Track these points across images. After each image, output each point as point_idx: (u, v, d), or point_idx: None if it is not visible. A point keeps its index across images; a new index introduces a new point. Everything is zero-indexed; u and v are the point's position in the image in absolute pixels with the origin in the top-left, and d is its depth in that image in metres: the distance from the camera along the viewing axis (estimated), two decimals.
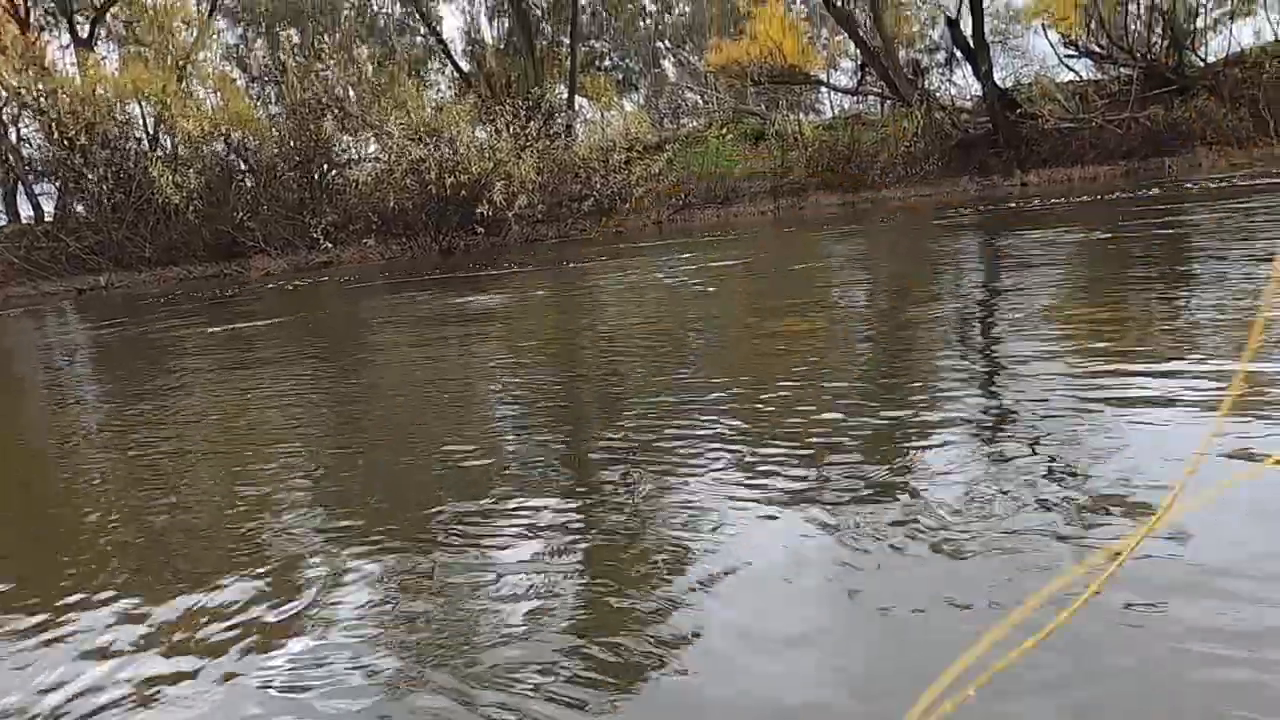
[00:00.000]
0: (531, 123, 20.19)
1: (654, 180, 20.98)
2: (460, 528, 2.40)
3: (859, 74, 27.66)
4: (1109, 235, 8.47)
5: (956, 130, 21.71)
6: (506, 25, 32.52)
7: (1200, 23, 24.96)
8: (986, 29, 23.39)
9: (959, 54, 24.85)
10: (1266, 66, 20.94)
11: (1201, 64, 23.53)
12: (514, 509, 2.50)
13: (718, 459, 2.74)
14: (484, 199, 18.78)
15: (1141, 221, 9.19)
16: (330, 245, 19.64)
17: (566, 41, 29.28)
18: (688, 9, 39.47)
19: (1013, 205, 14.33)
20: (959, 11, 23.07)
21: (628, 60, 40.84)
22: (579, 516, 2.41)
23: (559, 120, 23.37)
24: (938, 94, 25.13)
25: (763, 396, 3.50)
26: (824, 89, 29.35)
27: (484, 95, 23.14)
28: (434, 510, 2.55)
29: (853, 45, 27.65)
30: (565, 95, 27.71)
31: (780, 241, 13.39)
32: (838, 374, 3.88)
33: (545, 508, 2.49)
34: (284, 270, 19.26)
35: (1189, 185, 13.88)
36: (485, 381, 4.80)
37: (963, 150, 21.15)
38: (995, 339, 4.46)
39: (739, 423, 3.14)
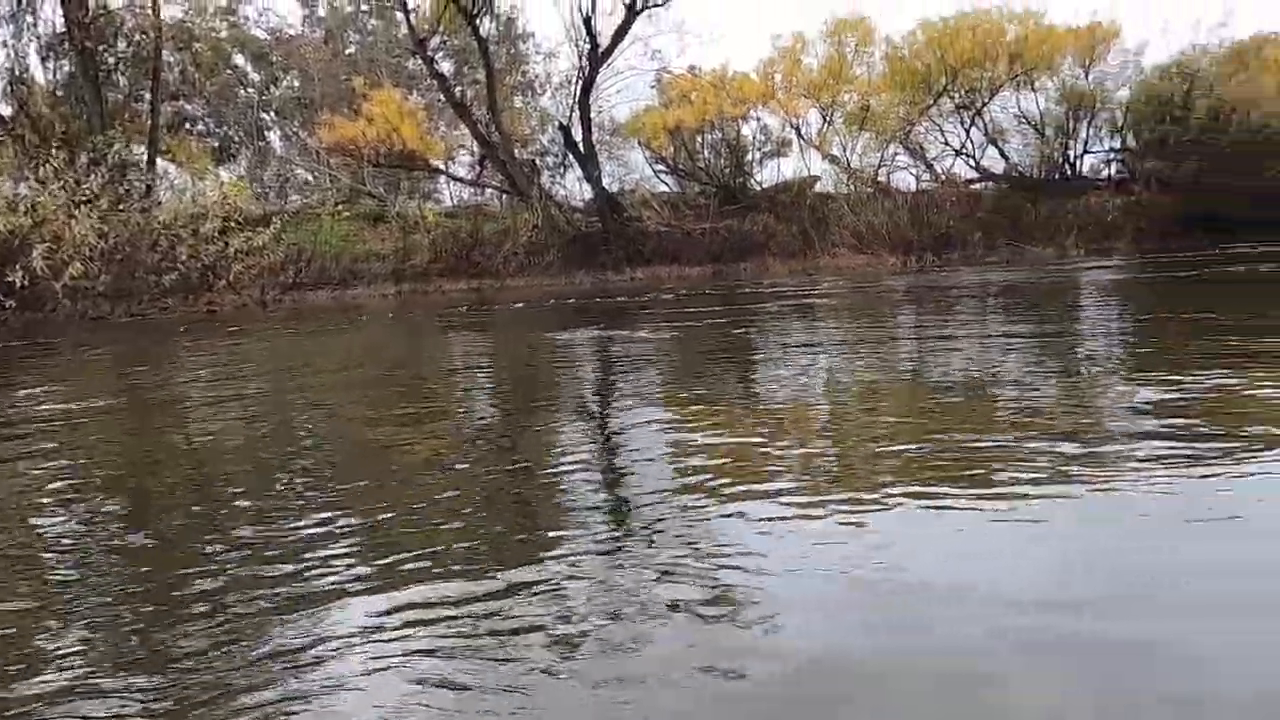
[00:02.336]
0: (93, 176, 16.76)
1: (257, 255, 18.61)
2: None
3: (478, 166, 28.28)
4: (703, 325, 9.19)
5: (571, 227, 23.06)
6: (66, 68, 27.45)
7: (751, 156, 30.09)
8: (594, 138, 25.55)
9: (571, 158, 26.75)
10: (805, 194, 25.86)
11: (759, 188, 28.30)
12: None
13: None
14: (15, 263, 14.84)
15: (731, 314, 10.22)
16: None
17: (148, 97, 25.48)
18: (296, 83, 37.28)
19: (621, 299, 15.29)
20: (570, 119, 24.90)
21: (226, 128, 37.06)
22: None
23: (134, 180, 19.85)
24: (553, 193, 26.68)
25: (388, 529, 2.75)
26: (444, 178, 29.41)
27: (30, 142, 18.90)
28: None
29: (472, 138, 28.31)
30: (145, 155, 23.89)
31: (402, 329, 12.51)
32: (459, 488, 3.28)
33: None
34: None
35: (755, 286, 16.15)
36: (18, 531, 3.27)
37: (578, 245, 22.46)
38: (614, 440, 4.23)
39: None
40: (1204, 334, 6.16)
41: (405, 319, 13.79)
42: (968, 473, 2.96)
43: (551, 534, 2.64)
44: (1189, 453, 3.02)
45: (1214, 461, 2.87)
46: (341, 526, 2.73)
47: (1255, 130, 24.50)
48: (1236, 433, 3.27)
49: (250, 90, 36.90)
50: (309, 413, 5.21)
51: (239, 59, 36.86)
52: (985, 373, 5.11)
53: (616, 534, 2.64)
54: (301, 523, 2.73)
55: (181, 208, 18.54)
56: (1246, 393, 3.88)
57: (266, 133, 37.53)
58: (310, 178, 31.00)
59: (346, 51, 37.23)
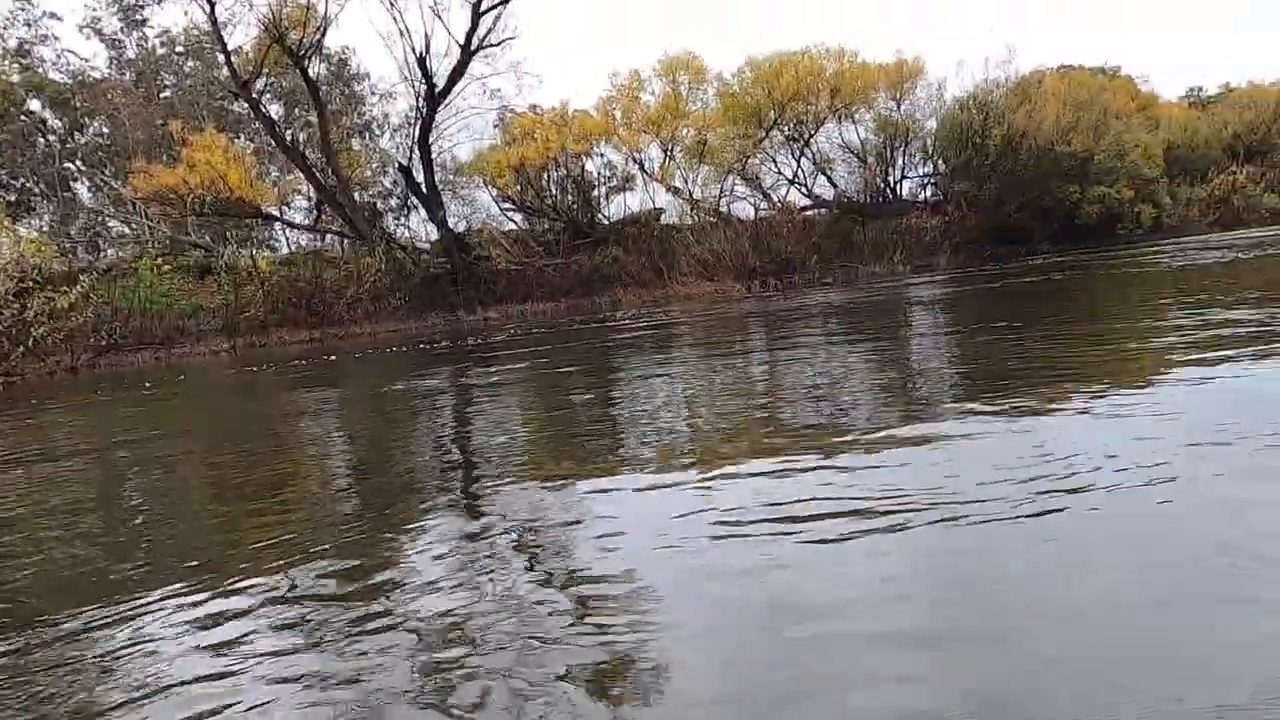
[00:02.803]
0: None
1: (62, 318, 16.85)
2: None
3: (316, 211, 27.13)
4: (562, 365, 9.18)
5: (418, 269, 22.51)
6: None
7: (598, 191, 30.57)
8: (437, 178, 25.15)
9: (413, 199, 26.18)
10: (652, 226, 26.51)
11: (607, 222, 28.75)
12: None
13: None
14: None
15: (585, 347, 10.26)
16: None
17: None
18: (105, 129, 34.47)
19: (472, 340, 15.01)
20: (411, 160, 24.40)
21: (22, 179, 33.71)
22: None
23: None
24: (396, 235, 25.97)
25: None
26: (279, 224, 28.01)
27: None
28: None
29: (307, 183, 27.16)
30: None
31: (237, 387, 11.70)
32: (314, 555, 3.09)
33: None
34: None
35: (608, 319, 16.32)
36: None
37: (427, 287, 21.94)
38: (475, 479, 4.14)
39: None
40: (1007, 344, 6.78)
41: (237, 377, 12.91)
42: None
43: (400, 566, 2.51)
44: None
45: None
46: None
47: (1042, 154, 27.47)
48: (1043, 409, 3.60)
49: (51, 138, 33.80)
50: (122, 484, 4.74)
51: (34, 104, 33.74)
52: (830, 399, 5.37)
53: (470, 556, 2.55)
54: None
55: None
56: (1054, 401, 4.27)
57: (72, 183, 34.42)
58: (126, 230, 28.65)
59: (161, 95, 34.85)
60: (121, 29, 35.12)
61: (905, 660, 1.74)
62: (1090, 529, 2.36)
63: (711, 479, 3.23)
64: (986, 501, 2.60)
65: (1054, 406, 3.84)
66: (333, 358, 13.98)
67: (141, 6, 34.98)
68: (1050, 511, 2.47)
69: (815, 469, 3.22)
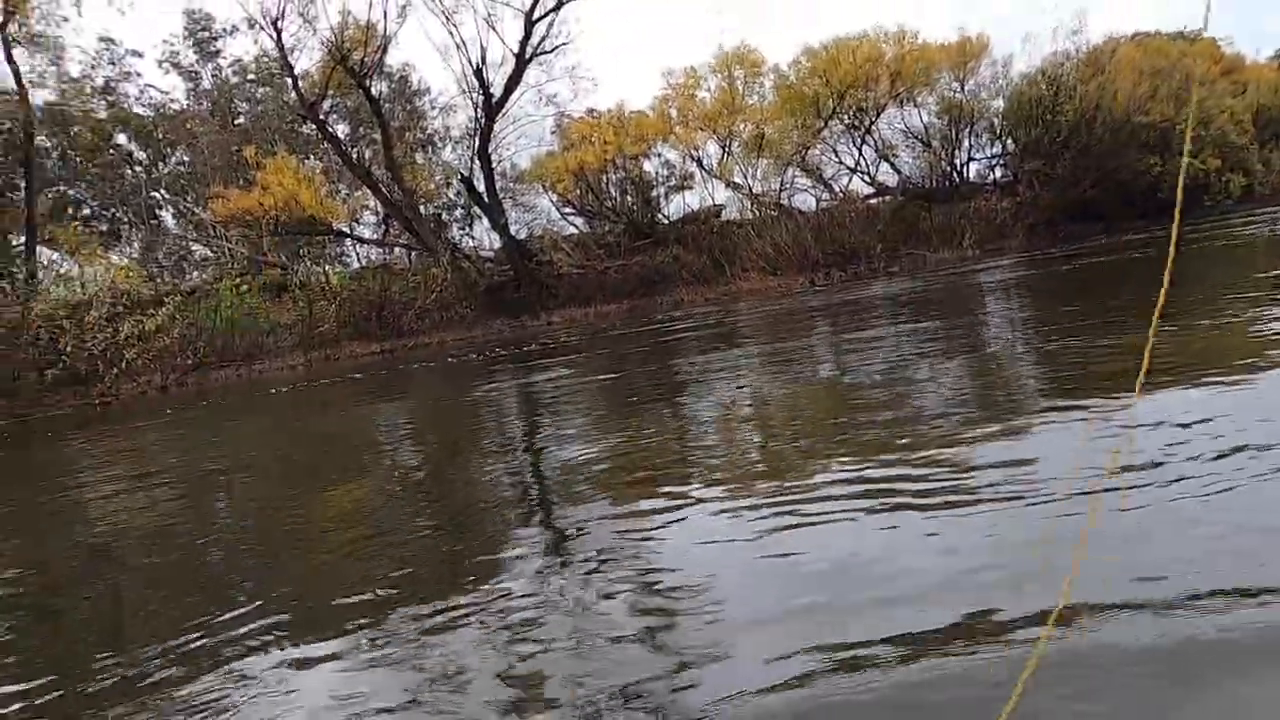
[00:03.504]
0: None
1: (151, 339, 17.66)
2: None
3: (383, 225, 27.88)
4: (616, 373, 9.19)
5: (483, 278, 22.88)
6: None
7: (657, 191, 30.56)
8: (498, 186, 25.55)
9: (476, 209, 26.65)
10: (711, 223, 26.35)
11: (666, 221, 28.70)
12: None
13: None
14: None
15: (655, 347, 10.24)
16: None
17: (22, 185, 24.36)
18: (186, 157, 36.16)
19: (533, 345, 15.17)
20: (472, 170, 24.84)
21: (113, 210, 35.67)
22: None
23: (13, 271, 18.80)
24: (461, 245, 26.47)
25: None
26: (349, 240, 28.88)
27: None
28: None
29: (374, 198, 27.95)
30: (23, 245, 22.74)
31: (315, 399, 12.10)
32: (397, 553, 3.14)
33: None
34: None
35: (671, 318, 16.26)
36: None
37: (492, 295, 22.28)
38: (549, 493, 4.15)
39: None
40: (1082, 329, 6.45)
41: (313, 391, 13.35)
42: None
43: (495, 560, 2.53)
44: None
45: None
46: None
47: (1117, 128, 26.23)
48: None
49: (137, 169, 35.65)
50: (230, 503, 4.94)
51: (121, 138, 35.64)
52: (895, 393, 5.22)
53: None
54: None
55: (63, 296, 17.53)
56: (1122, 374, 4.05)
57: (158, 211, 36.25)
58: (209, 253, 30.00)
59: (236, 122, 36.37)
60: (197, 61, 36.78)
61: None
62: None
63: (777, 500, 3.14)
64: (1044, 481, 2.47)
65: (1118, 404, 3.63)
66: (402, 366, 14.33)
67: (215, 39, 36.58)
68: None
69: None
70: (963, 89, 29.52)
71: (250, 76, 37.58)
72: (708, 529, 2.90)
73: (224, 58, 36.66)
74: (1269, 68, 42.82)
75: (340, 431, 7.64)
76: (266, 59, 32.93)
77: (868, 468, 3.20)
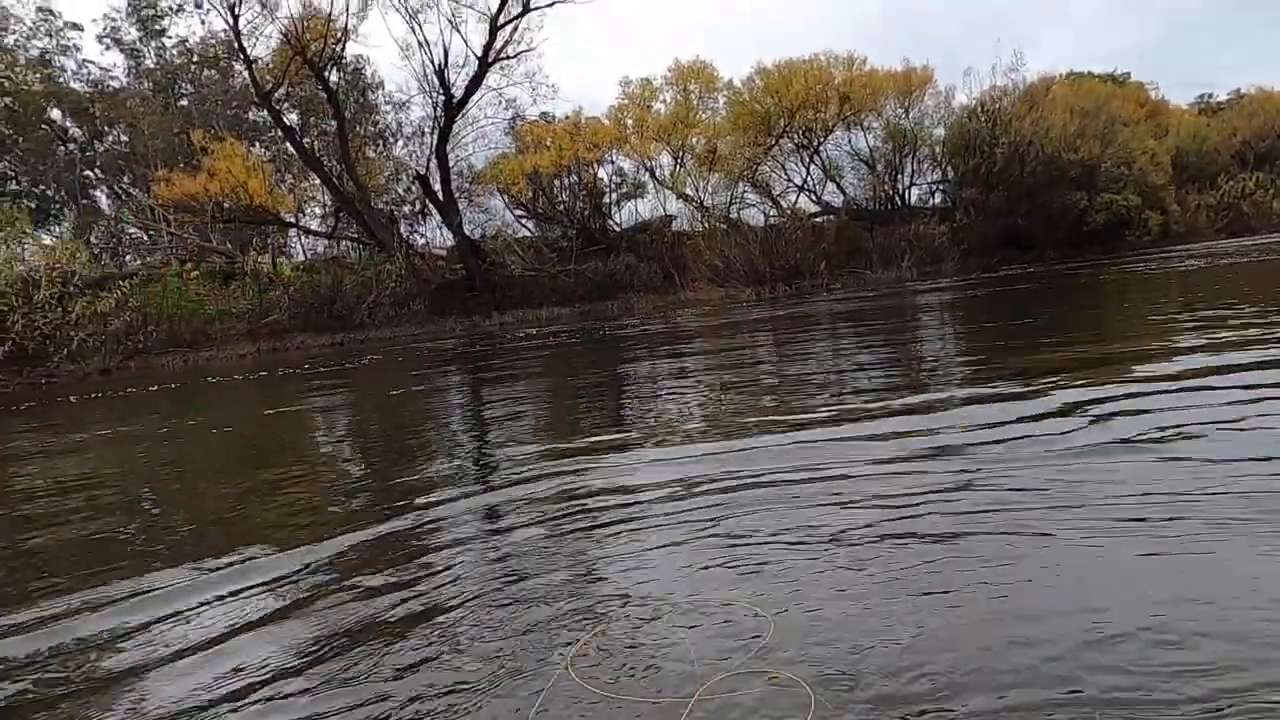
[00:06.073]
0: None
1: (101, 322, 17.24)
2: None
3: (334, 219, 27.61)
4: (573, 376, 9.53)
5: (435, 275, 22.95)
6: None
7: (609, 198, 31.00)
8: (453, 186, 25.60)
9: (429, 206, 26.63)
10: (664, 233, 26.91)
11: (618, 228, 29.17)
12: None
13: None
14: None
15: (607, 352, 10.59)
16: None
17: None
18: (124, 138, 35.06)
19: (484, 344, 15.37)
20: (428, 169, 24.85)
21: (43, 187, 34.39)
22: None
23: None
24: (413, 242, 26.44)
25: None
26: (295, 231, 28.53)
27: None
28: None
29: (323, 190, 27.66)
30: None
31: (264, 390, 12.10)
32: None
33: None
34: None
35: (621, 324, 16.65)
36: None
37: (444, 293, 22.36)
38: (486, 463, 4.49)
39: None
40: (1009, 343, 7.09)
41: (268, 379, 13.30)
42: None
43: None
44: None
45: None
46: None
47: (1048, 162, 27.80)
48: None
49: (71, 146, 34.45)
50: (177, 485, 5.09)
51: (55, 113, 34.43)
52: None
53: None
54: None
55: (10, 273, 16.93)
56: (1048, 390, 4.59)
57: (91, 191, 35.04)
58: (145, 237, 29.17)
59: (179, 103, 35.45)
60: (140, 39, 35.77)
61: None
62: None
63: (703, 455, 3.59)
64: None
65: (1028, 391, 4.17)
66: (364, 360, 14.38)
67: (160, 16, 35.60)
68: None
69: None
70: (908, 116, 30.86)
71: (196, 58, 36.65)
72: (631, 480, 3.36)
73: (169, 37, 35.71)
74: (1189, 113, 45.70)
75: (282, 426, 7.79)
76: (214, 41, 32.28)
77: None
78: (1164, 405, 3.77)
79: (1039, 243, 28.42)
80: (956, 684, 1.65)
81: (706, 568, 2.43)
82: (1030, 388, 4.61)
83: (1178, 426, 3.36)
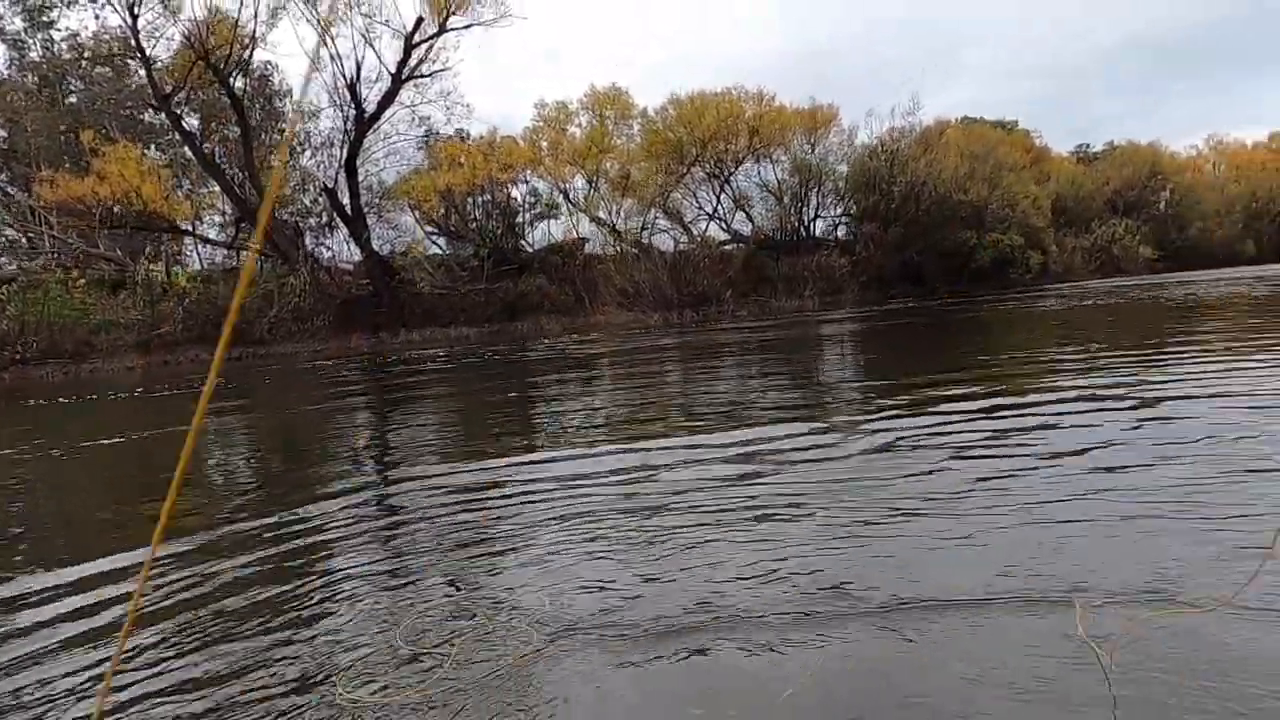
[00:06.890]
0: None
1: None
2: None
3: (234, 228, 26.70)
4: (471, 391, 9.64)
5: (341, 290, 22.47)
6: None
7: (522, 218, 31.05)
8: (362, 200, 25.18)
9: (337, 220, 26.09)
10: (576, 255, 27.14)
11: (530, 249, 29.25)
12: None
13: None
14: None
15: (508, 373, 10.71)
16: None
17: None
18: (3, 133, 32.93)
19: (390, 360, 15.21)
20: (336, 182, 24.37)
21: None
22: None
23: None
24: (318, 255, 25.81)
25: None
26: (192, 240, 27.42)
27: None
28: None
29: (223, 199, 26.73)
30: None
31: (150, 407, 11.66)
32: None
33: None
34: None
35: (531, 345, 16.77)
36: None
37: (349, 309, 21.91)
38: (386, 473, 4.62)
39: None
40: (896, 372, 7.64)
41: (153, 395, 12.78)
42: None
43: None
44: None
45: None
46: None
47: (941, 201, 29.50)
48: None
49: None
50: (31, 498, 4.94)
51: None
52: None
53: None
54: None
55: None
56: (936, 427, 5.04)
57: None
58: (24, 240, 27.45)
59: (68, 100, 33.59)
60: (26, 30, 33.78)
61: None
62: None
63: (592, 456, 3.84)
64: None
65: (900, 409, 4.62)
66: (265, 380, 13.97)
67: (49, 8, 33.74)
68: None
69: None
70: (813, 152, 32.19)
71: (88, 54, 34.86)
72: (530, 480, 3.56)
73: (58, 30, 33.84)
74: (1069, 161, 49.25)
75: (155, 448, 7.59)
76: (109, 37, 30.82)
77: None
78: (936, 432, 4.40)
79: (931, 278, 30.03)
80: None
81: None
82: (844, 418, 5.21)
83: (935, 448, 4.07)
